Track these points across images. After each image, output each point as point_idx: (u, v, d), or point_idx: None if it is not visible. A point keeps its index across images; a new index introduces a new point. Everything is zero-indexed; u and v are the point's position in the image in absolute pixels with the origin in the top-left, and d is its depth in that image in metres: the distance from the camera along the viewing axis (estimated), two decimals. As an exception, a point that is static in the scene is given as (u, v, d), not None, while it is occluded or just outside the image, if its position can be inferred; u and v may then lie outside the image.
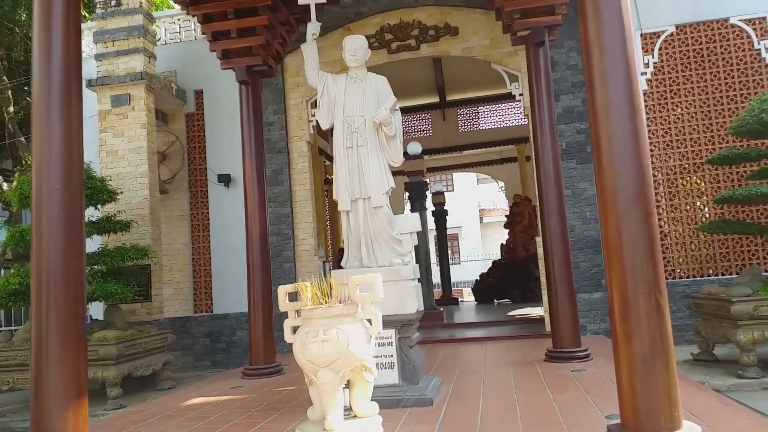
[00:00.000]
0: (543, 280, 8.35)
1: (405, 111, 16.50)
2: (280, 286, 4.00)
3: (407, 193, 12.48)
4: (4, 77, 13.11)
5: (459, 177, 29.28)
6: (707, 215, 8.51)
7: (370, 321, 3.88)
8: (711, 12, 8.80)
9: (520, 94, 9.24)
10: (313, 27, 5.67)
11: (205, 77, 9.85)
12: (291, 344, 3.78)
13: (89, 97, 9.37)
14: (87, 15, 12.43)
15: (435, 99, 16.13)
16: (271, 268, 7.49)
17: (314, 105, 8.93)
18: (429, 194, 16.59)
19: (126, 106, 8.80)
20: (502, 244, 16.70)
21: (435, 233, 16.75)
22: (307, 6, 5.85)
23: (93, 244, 8.41)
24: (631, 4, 7.99)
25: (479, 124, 16.98)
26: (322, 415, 3.82)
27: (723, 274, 8.37)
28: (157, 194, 8.97)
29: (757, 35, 8.68)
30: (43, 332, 3.85)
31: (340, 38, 9.82)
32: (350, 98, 5.54)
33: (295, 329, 3.94)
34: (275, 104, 9.65)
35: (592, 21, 3.59)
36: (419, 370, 5.14)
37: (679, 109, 8.78)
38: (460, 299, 17.41)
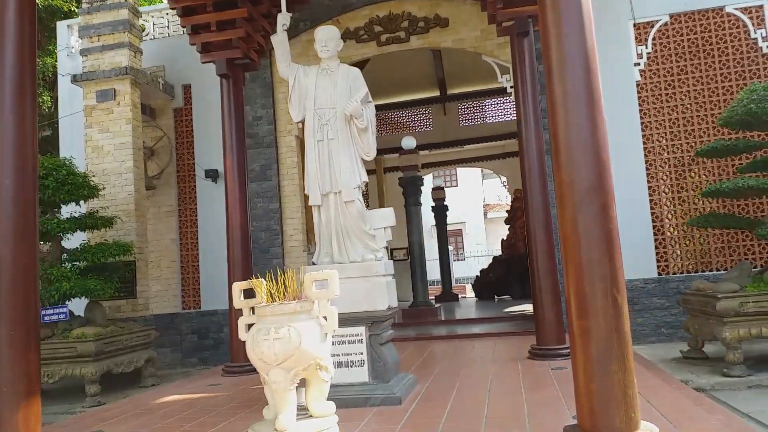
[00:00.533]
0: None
1: (405, 105, 16.36)
2: (235, 283, 3.90)
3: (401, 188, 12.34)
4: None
5: (463, 172, 29.04)
6: (703, 209, 8.28)
7: (327, 318, 3.78)
8: (706, 0, 8.56)
9: (512, 87, 9.05)
10: (283, 18, 5.56)
11: (193, 72, 9.75)
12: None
13: (78, 93, 9.35)
14: (74, 10, 12.40)
15: (435, 93, 15.93)
16: (252, 264, 7.40)
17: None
18: (429, 189, 16.49)
19: (111, 101, 8.74)
20: (502, 240, 16.52)
21: (435, 229, 16.63)
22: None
23: (76, 240, 8.38)
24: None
25: (480, 118, 16.74)
26: (276, 415, 3.72)
27: (718, 270, 8.15)
28: (143, 190, 8.91)
29: (753, 24, 8.43)
30: (-10, 330, 3.77)
31: (328, 31, 9.73)
32: (321, 90, 5.42)
33: (251, 327, 3.85)
34: (264, 98, 9.55)
35: (549, 6, 3.45)
36: (391, 368, 5.02)
37: (674, 101, 8.56)
38: (461, 296, 17.25)
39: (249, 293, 3.89)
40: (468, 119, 16.85)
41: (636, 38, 8.77)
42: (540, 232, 6.65)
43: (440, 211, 16.30)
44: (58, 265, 7.33)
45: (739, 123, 6.36)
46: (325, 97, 5.39)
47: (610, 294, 3.19)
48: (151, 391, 6.99)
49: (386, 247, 5.49)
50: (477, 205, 30.09)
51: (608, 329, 3.15)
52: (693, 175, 8.42)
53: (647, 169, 8.45)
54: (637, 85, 8.65)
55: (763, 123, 6.31)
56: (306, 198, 10.12)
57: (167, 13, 10.14)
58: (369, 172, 17.90)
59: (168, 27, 10.08)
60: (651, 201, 8.37)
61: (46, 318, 6.88)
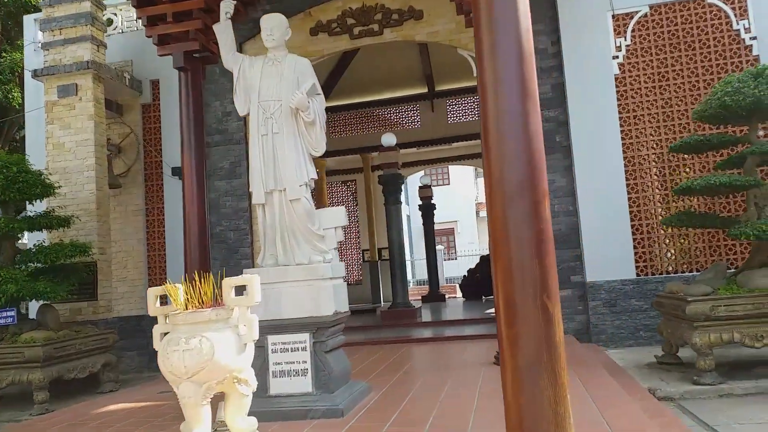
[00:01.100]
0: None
1: (391, 102, 16.03)
2: (150, 288, 3.61)
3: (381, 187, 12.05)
4: None
5: (455, 170, 28.72)
6: (683, 207, 7.96)
7: (247, 327, 3.49)
8: (688, -10, 8.24)
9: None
10: (226, 6, 5.28)
11: (161, 67, 9.42)
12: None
13: (39, 88, 9.07)
14: (33, 1, 12.13)
15: (423, 89, 15.62)
16: (210, 266, 7.11)
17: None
18: (412, 187, 16.16)
19: (73, 96, 8.45)
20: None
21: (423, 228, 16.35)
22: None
23: (33, 239, 8.11)
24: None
25: (469, 115, 16.40)
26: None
27: (698, 271, 7.83)
28: (106, 188, 8.62)
29: (736, 15, 8.10)
30: None
31: (300, 24, 9.43)
32: (267, 82, 5.14)
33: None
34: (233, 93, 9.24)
35: (480, -16, 3.15)
36: (337, 377, 4.73)
37: (654, 95, 8.24)
38: (448, 296, 16.94)
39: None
40: (456, 116, 16.49)
41: (615, 30, 8.44)
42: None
43: (427, 209, 16.00)
44: (9, 266, 7.05)
45: (713, 117, 6.05)
46: (270, 89, 5.11)
47: (539, 300, 2.90)
48: (106, 397, 6.72)
49: (336, 248, 5.20)
50: (470, 204, 29.76)
51: (537, 339, 2.86)
52: (672, 172, 8.11)
53: (626, 165, 8.13)
54: (616, 79, 8.33)
55: (738, 117, 6.00)
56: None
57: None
58: (355, 171, 17.84)
59: (136, 21, 9.78)
60: (630, 199, 8.05)
61: (-6, 321, 6.62)
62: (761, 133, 7.71)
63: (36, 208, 7.93)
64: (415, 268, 25.89)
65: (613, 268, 7.87)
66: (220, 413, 3.63)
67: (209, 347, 3.30)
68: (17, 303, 6.92)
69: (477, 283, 15.15)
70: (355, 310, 14.42)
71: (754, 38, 8.02)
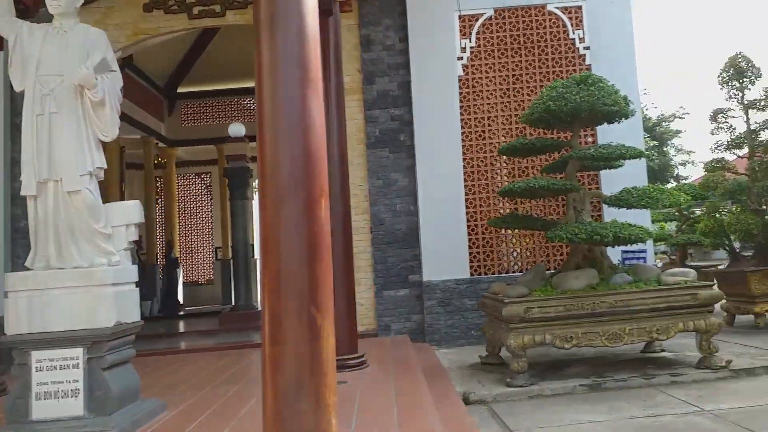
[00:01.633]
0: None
1: (249, 92, 15.24)
2: None
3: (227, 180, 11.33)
4: None
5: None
6: (514, 209, 8.14)
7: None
8: (530, -3, 8.45)
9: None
10: (-5, -40, 4.44)
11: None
12: None
13: None
14: None
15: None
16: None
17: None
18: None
19: None
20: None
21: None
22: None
23: None
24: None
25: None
26: None
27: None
28: None
29: (572, 24, 8.42)
30: None
31: (132, -3, 8.55)
32: (47, 54, 4.38)
33: None
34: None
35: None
36: (115, 397, 4.10)
37: (493, 98, 8.36)
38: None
39: None
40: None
41: (461, 31, 8.47)
42: (337, 228, 6.02)
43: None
44: None
45: (539, 121, 6.14)
46: (51, 61, 4.36)
47: (306, 313, 2.55)
48: None
49: (127, 249, 4.56)
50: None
51: (300, 357, 2.51)
52: (508, 174, 8.28)
53: (464, 167, 8.18)
54: (459, 80, 8.37)
55: (562, 122, 6.13)
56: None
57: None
58: (211, 162, 16.85)
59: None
60: (467, 200, 8.11)
61: None
62: (591, 139, 8.07)
63: None
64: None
65: (448, 267, 7.88)
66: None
67: None
68: None
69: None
70: (200, 312, 13.63)
71: (588, 48, 8.38)
